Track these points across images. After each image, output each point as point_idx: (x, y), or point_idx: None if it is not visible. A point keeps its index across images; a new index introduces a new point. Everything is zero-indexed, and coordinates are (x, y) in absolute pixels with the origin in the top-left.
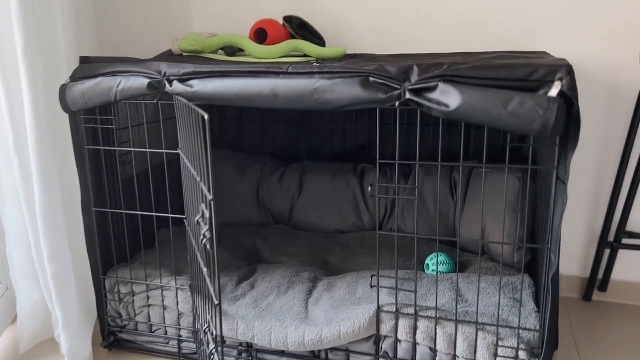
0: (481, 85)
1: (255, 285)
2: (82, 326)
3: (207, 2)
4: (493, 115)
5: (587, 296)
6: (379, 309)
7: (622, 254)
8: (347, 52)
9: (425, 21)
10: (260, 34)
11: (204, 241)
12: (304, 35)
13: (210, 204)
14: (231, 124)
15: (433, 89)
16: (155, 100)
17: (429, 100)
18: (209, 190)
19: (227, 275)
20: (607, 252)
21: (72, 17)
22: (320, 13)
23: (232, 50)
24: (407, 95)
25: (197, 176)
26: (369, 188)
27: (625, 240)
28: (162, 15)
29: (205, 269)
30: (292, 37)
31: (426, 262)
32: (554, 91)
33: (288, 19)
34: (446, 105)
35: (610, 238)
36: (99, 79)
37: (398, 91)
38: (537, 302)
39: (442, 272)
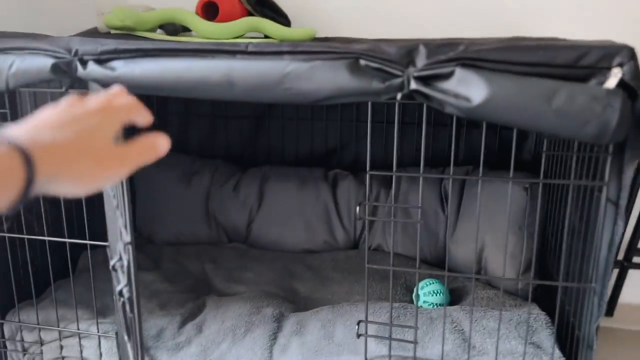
0: (513, 72)
1: (204, 328)
2: None
3: None
4: (533, 114)
5: None
6: None
7: (632, 274)
8: (317, 36)
9: (412, 0)
10: (209, 9)
11: (121, 301)
12: (265, 12)
13: (129, 249)
14: (174, 119)
15: (448, 76)
16: (63, 89)
17: (443, 92)
18: (126, 229)
19: (168, 314)
20: (615, 272)
21: None
22: None
23: (175, 28)
24: (413, 85)
25: (113, 200)
26: (357, 209)
27: (636, 259)
28: None
29: (126, 337)
30: (250, 14)
31: (415, 292)
32: (612, 81)
33: None
34: (467, 99)
35: (620, 256)
36: None
37: (400, 79)
38: (560, 345)
39: (435, 304)
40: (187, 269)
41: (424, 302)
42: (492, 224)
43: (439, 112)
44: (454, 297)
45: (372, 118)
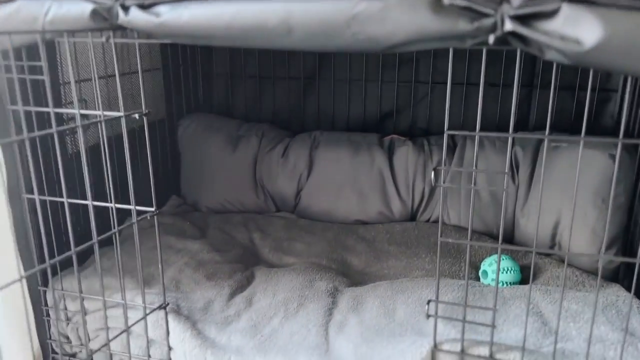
0: (634, 8)
1: (254, 301)
2: (14, 356)
3: None
4: None
5: None
6: (435, 348)
7: None
8: None
9: None
10: None
11: None
12: None
13: None
14: (220, 82)
15: (552, 14)
16: (104, 39)
17: (546, 33)
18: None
19: (216, 286)
20: None
21: None
22: None
23: None
24: (508, 26)
25: None
26: (432, 174)
27: None
28: None
29: None
30: None
31: (482, 268)
32: None
33: None
34: (576, 42)
35: None
36: (17, 3)
37: (492, 19)
38: None
39: (506, 283)
40: (235, 238)
41: (492, 279)
42: (570, 196)
43: (509, 71)
44: (525, 275)
45: (432, 78)
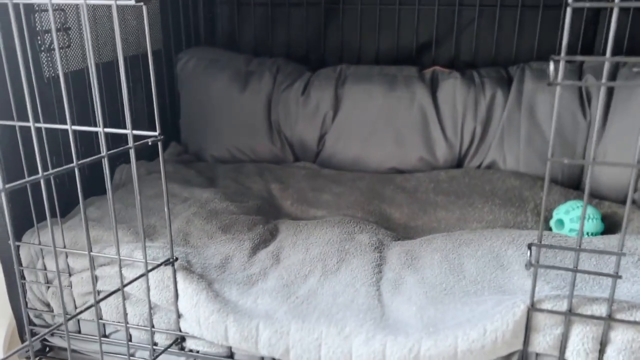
0: None
1: (282, 257)
2: None
3: None
4: None
5: None
6: (533, 307)
7: None
8: None
9: None
10: None
11: None
12: None
13: None
14: (224, 10)
15: None
16: None
17: None
18: None
19: (234, 239)
20: None
21: None
22: None
23: None
24: None
25: None
26: (551, 66)
27: None
28: None
29: None
30: None
31: (556, 216)
32: None
33: None
34: None
35: None
36: None
37: None
38: None
39: (589, 233)
40: (250, 189)
41: (571, 230)
42: None
43: None
44: (607, 224)
45: (480, 1)
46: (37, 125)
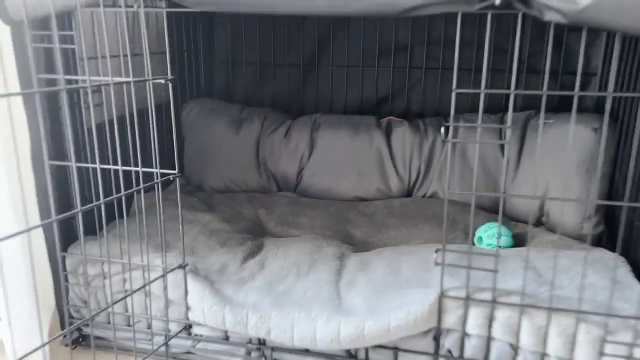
0: None
1: (266, 265)
2: (34, 320)
3: None
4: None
5: None
6: (443, 294)
7: None
8: None
9: None
10: None
11: None
12: None
13: None
14: (221, 68)
15: None
16: (135, 7)
17: None
18: None
19: (229, 251)
20: None
21: None
22: None
23: None
24: None
25: None
26: (442, 130)
27: None
28: None
29: None
30: None
31: (477, 234)
32: None
33: None
34: (573, 1)
35: None
36: None
37: None
38: None
39: (501, 247)
40: (241, 213)
41: (488, 244)
42: (556, 168)
43: (499, 55)
44: (517, 241)
45: (426, 64)
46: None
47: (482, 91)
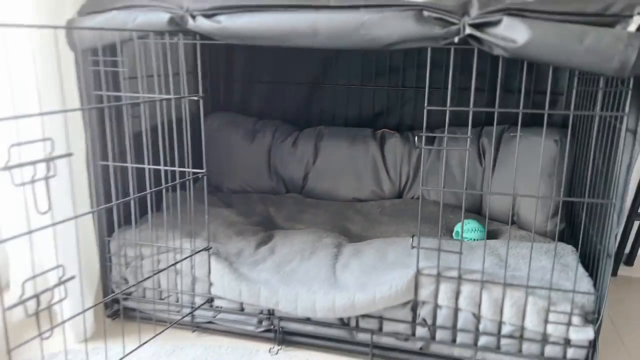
0: (551, 20)
1: (276, 250)
2: (83, 293)
3: None
4: (566, 52)
5: (613, 271)
6: (418, 272)
7: None
8: None
9: None
10: None
11: None
12: None
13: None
14: (238, 86)
15: (497, 23)
16: (175, 39)
17: (493, 35)
18: None
19: (244, 239)
20: (636, 224)
21: None
22: None
23: None
24: (467, 31)
25: None
26: (415, 139)
27: None
28: None
29: None
30: None
31: (455, 229)
32: (633, 26)
33: None
34: (513, 41)
35: None
36: (112, 13)
37: (457, 26)
38: (585, 268)
39: (474, 239)
40: (254, 210)
41: (465, 237)
42: (525, 174)
43: (480, 78)
44: (490, 237)
45: (417, 84)
46: (150, 166)
47: (448, 108)
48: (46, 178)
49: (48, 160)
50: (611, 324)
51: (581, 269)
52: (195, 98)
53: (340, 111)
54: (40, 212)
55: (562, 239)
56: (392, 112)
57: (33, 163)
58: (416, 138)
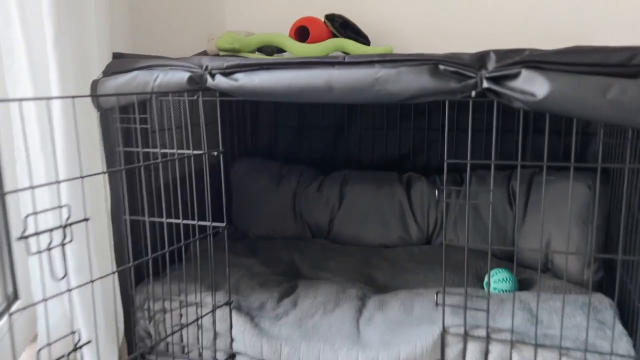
0: (572, 72)
1: (299, 303)
2: (107, 347)
3: (241, 1)
4: (589, 105)
5: None
6: (444, 331)
7: None
8: (394, 52)
9: (477, 18)
10: (301, 33)
11: None
12: (347, 34)
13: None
14: (264, 131)
15: (515, 76)
16: (195, 97)
17: (511, 89)
18: None
19: (267, 291)
20: None
21: (106, 13)
22: (364, 11)
23: (271, 50)
24: (485, 84)
25: None
26: (437, 192)
27: None
28: (195, 14)
29: None
30: (335, 36)
31: (486, 279)
32: None
33: (330, 17)
34: (532, 95)
35: None
36: (134, 73)
37: (474, 80)
38: (624, 326)
39: (504, 290)
40: (279, 258)
41: (494, 288)
42: (558, 220)
43: (507, 119)
44: (522, 286)
45: (442, 126)
46: (168, 220)
47: (469, 161)
48: (62, 244)
49: (64, 226)
50: None
51: (619, 327)
52: (215, 153)
53: (366, 154)
54: (57, 280)
55: (599, 288)
56: (419, 154)
57: (50, 230)
58: (436, 192)
